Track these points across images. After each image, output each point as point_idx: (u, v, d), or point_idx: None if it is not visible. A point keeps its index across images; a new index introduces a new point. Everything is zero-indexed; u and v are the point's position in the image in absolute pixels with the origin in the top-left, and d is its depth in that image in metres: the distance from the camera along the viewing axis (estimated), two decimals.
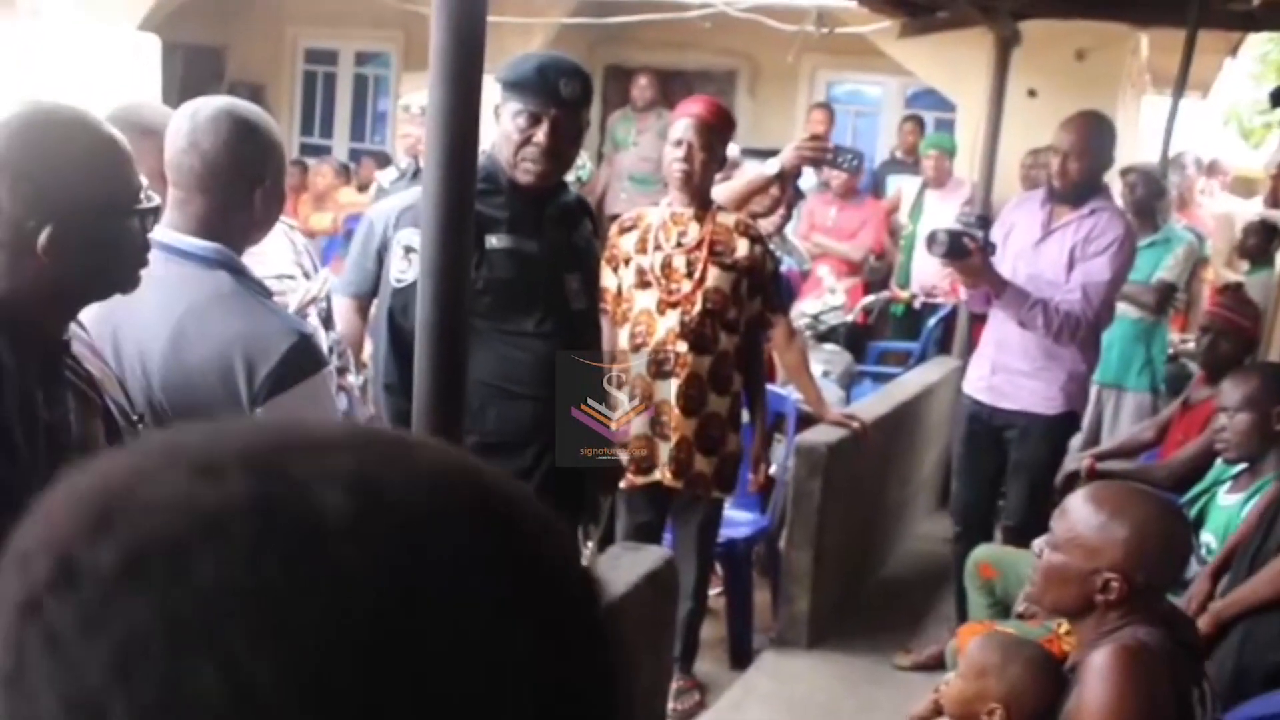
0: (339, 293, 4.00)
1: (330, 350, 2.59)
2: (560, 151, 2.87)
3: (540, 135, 2.81)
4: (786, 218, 4.69)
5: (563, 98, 2.84)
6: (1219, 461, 3.57)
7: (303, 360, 2.06)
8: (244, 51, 11.23)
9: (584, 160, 7.84)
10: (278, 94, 11.22)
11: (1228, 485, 3.41)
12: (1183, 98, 5.45)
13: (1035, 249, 4.19)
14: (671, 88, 9.06)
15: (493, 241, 2.77)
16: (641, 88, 9.11)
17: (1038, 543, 2.29)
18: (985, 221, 4.17)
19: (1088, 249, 4.09)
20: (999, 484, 4.36)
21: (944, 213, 7.01)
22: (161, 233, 2.05)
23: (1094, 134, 4.16)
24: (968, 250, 4.02)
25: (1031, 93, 7.51)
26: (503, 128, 2.86)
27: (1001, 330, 4.27)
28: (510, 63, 2.91)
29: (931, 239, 4.10)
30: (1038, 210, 4.25)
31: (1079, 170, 4.09)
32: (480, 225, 2.72)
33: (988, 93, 6.08)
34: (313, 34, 11.25)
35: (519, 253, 2.81)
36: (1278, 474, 3.09)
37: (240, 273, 2.14)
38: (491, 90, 2.67)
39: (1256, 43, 9.55)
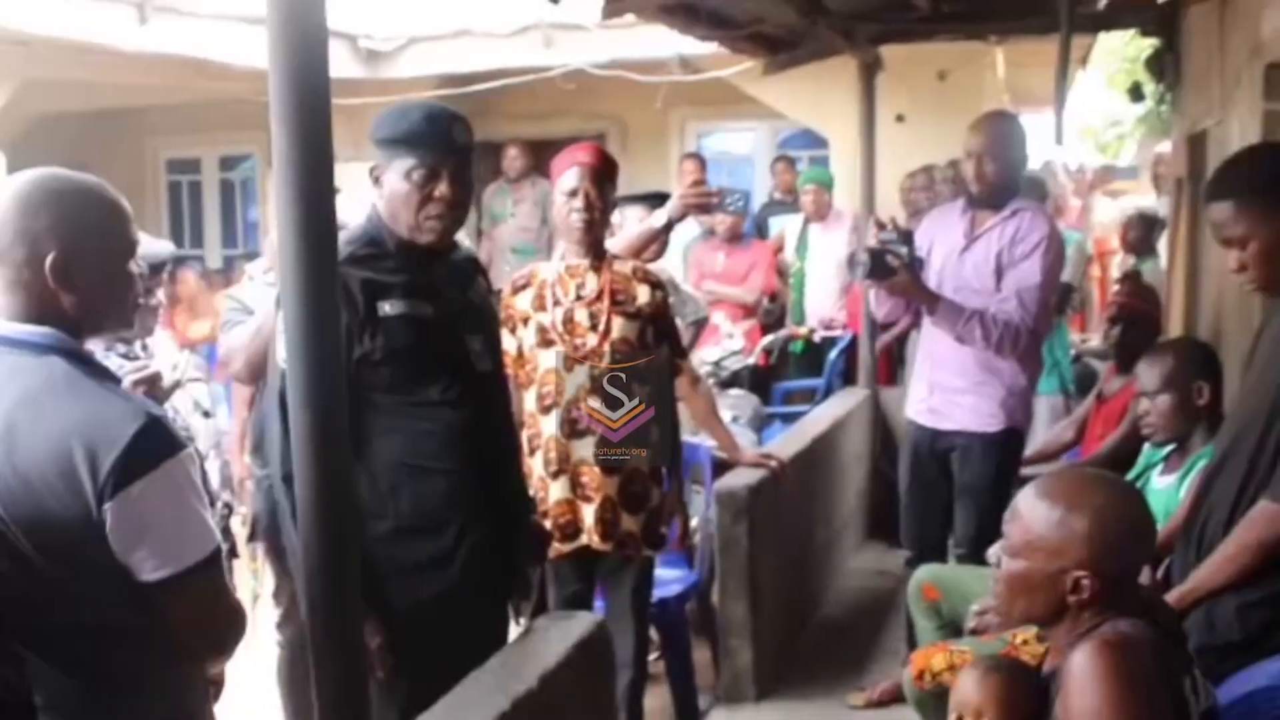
0: (239, 381, 3.93)
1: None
2: (463, 202, 2.71)
3: (443, 188, 2.63)
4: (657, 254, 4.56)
5: (458, 145, 2.68)
6: (1147, 447, 3.52)
7: (153, 444, 1.83)
8: (103, 168, 10.78)
9: (462, 237, 7.71)
10: (142, 207, 10.94)
11: (1160, 468, 3.35)
12: (1066, 101, 5.43)
13: (960, 258, 4.05)
14: (543, 156, 8.95)
15: (386, 309, 2.59)
16: (512, 158, 9.05)
17: (993, 551, 2.17)
18: (909, 237, 3.97)
19: (1014, 252, 3.95)
20: (951, 509, 4.18)
21: (829, 245, 7.01)
22: None
23: (1005, 132, 4.05)
24: (892, 269, 3.88)
25: (899, 118, 7.60)
26: (393, 188, 2.65)
27: (934, 347, 4.12)
28: (387, 118, 2.69)
29: (852, 261, 3.96)
30: (958, 220, 4.12)
31: (995, 171, 3.97)
32: (371, 292, 2.57)
33: (857, 123, 6.10)
34: (173, 143, 11.10)
35: (415, 318, 2.62)
36: (1208, 449, 3.02)
37: (76, 356, 1.93)
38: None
39: (1101, 56, 9.79)
